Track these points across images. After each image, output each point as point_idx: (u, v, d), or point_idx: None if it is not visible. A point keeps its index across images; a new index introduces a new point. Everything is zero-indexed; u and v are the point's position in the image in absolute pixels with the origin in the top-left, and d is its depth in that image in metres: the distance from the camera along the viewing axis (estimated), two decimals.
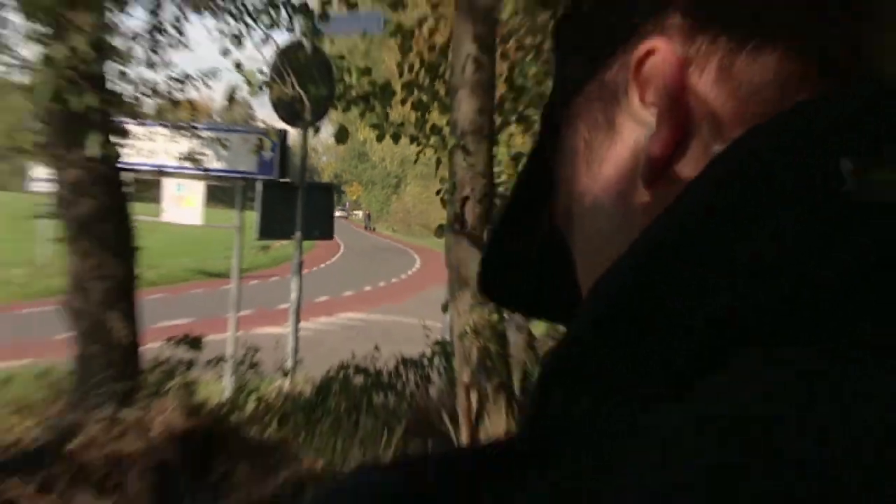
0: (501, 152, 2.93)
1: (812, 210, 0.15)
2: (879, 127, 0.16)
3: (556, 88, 0.27)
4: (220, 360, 3.15)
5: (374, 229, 29.80)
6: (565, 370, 0.17)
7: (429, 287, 9.05)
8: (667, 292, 0.16)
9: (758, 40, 0.19)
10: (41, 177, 4.96)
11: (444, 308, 2.80)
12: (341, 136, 2.89)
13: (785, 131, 0.17)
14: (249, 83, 2.80)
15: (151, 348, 2.99)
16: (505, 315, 2.41)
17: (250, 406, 2.92)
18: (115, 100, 2.51)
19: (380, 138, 2.83)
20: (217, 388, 3.31)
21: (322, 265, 13.14)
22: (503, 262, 0.30)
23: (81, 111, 2.26)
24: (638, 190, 0.21)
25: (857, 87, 0.18)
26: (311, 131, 3.23)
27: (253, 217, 3.43)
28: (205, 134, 3.27)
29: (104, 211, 2.61)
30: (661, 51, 0.20)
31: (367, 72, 2.80)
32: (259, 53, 2.95)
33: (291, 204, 3.30)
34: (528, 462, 0.15)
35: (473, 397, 2.42)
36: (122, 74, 2.60)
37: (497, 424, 2.36)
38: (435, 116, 2.84)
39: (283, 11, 2.77)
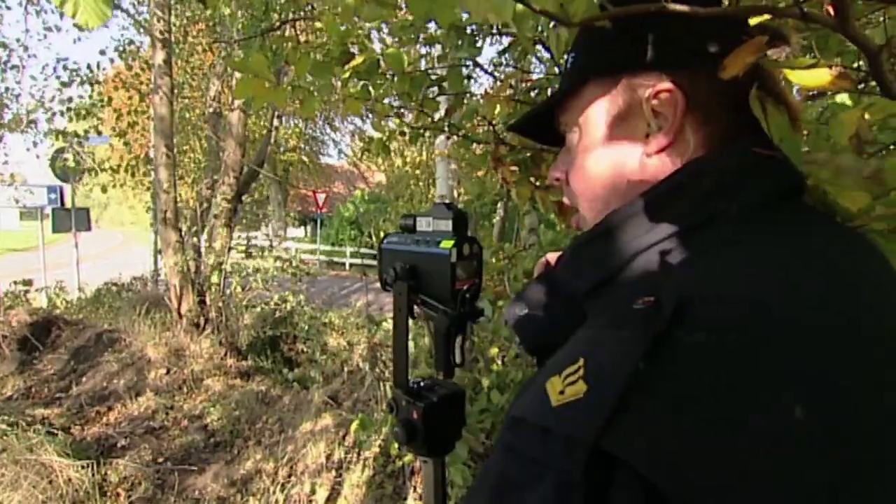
0: (184, 191, 7.17)
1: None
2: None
3: (582, 60, 0.44)
4: (32, 286, 6.60)
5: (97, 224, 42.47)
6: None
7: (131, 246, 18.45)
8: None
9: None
10: None
11: (155, 253, 7.01)
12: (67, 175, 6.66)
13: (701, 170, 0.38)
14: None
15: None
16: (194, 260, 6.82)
17: (61, 306, 6.58)
18: None
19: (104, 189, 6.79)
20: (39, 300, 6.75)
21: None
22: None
23: None
24: (633, 153, 0.39)
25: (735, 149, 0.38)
26: (75, 186, 6.78)
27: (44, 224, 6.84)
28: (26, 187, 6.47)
29: None
30: (673, 92, 0.37)
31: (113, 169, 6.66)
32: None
33: (69, 216, 6.83)
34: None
35: (176, 287, 6.82)
36: None
37: (188, 301, 6.80)
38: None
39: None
